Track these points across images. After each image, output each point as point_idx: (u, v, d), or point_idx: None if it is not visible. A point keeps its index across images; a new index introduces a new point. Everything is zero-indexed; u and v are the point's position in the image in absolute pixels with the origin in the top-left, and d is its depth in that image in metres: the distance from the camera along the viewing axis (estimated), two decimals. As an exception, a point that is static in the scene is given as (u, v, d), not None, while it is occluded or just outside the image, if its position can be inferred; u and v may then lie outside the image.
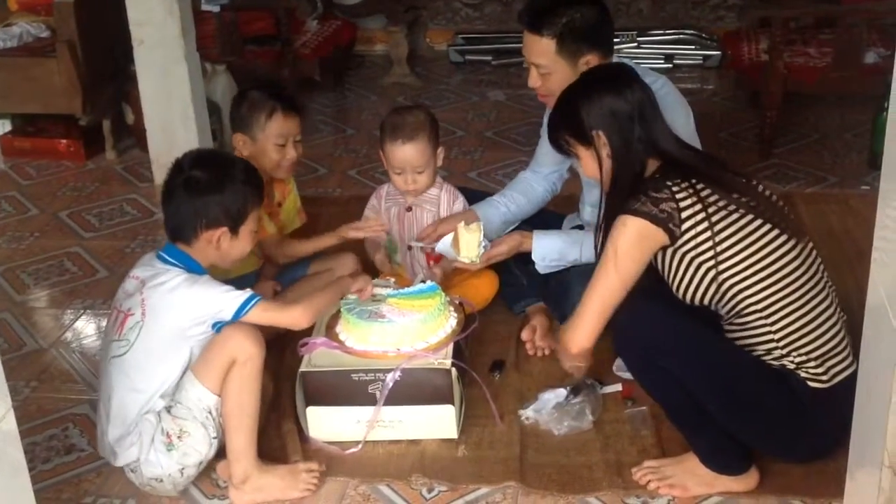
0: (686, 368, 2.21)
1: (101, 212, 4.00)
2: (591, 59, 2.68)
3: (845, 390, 2.14)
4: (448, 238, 2.83)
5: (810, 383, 2.21)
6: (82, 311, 3.28)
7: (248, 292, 2.35)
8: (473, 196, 3.11)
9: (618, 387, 2.69)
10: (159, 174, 3.88)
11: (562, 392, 2.64)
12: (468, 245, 2.76)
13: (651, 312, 2.24)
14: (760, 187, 2.31)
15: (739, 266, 2.20)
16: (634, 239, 2.21)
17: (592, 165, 2.36)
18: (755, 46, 4.49)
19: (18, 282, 3.49)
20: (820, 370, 2.22)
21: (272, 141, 2.89)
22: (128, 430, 2.34)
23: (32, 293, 3.43)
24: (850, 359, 2.26)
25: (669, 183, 2.21)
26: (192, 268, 2.38)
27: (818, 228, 3.53)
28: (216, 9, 4.65)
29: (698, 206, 2.19)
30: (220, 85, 4.43)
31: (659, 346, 2.21)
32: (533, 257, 2.87)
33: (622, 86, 2.33)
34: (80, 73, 4.24)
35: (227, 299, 2.32)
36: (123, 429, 2.35)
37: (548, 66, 2.70)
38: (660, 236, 2.20)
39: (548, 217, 3.14)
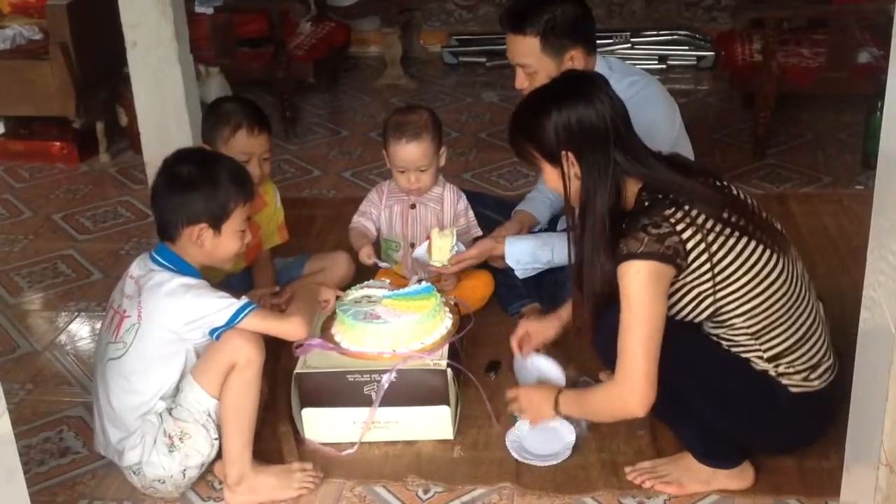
0: (674, 367, 2.16)
1: (95, 214, 4.00)
2: (575, 55, 2.70)
3: (830, 390, 2.22)
4: (426, 244, 2.89)
5: (791, 389, 2.20)
6: (76, 314, 3.27)
7: (243, 300, 2.34)
8: (469, 197, 3.11)
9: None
10: (153, 176, 3.87)
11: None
12: (440, 249, 2.85)
13: None
14: (735, 191, 2.22)
15: (735, 294, 2.14)
16: (649, 283, 2.08)
17: (557, 184, 2.20)
18: (749, 47, 4.50)
19: (12, 284, 3.48)
20: (812, 376, 2.21)
21: (235, 157, 2.71)
22: (129, 432, 2.34)
23: (26, 296, 3.42)
24: (832, 360, 2.26)
25: (666, 213, 2.09)
26: (183, 269, 2.36)
27: (812, 228, 3.54)
28: (210, 11, 4.65)
29: (699, 237, 2.09)
30: (213, 87, 4.43)
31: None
32: (507, 262, 2.89)
33: (594, 98, 2.13)
34: (74, 76, 4.23)
35: (222, 306, 2.31)
36: (125, 431, 2.35)
37: (533, 64, 2.72)
38: (670, 272, 2.10)
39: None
